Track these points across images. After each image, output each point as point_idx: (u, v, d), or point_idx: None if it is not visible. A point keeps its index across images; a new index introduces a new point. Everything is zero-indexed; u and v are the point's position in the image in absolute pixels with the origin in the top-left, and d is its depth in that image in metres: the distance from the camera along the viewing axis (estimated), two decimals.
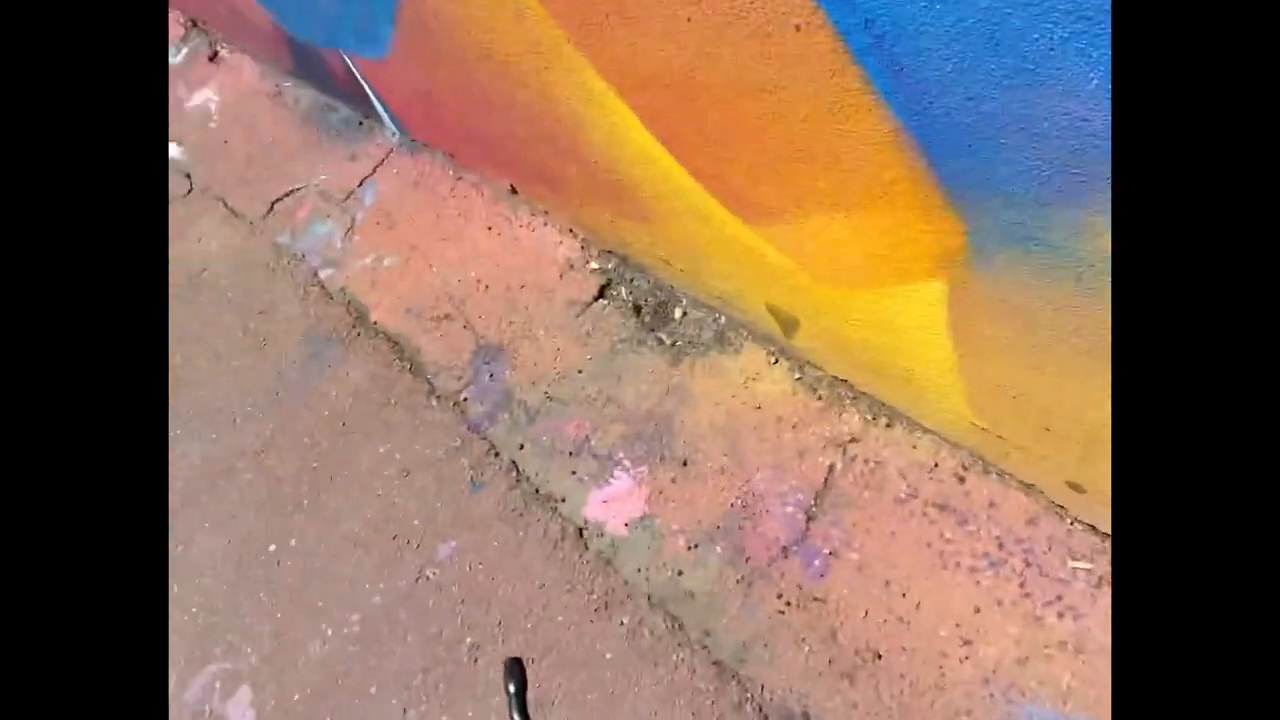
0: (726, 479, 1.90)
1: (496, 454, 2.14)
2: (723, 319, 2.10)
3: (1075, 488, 1.50)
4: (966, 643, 1.59)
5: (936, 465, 1.73)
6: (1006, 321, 1.27)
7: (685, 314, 2.17)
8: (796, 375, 1.96)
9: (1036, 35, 0.85)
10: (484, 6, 1.70)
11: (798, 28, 1.08)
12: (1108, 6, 0.76)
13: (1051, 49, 0.85)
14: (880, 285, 1.45)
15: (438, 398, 2.29)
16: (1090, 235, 1.01)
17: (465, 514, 2.06)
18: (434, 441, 2.21)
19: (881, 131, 1.14)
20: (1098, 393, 1.23)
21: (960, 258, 1.24)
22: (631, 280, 2.29)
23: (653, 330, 2.18)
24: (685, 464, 1.95)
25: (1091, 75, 0.84)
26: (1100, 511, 1.51)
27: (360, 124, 2.95)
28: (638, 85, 1.51)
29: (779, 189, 1.43)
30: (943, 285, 1.33)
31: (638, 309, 2.23)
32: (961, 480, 1.70)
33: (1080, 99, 0.87)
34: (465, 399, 2.26)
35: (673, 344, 2.14)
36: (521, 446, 2.13)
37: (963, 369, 1.47)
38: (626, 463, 2.01)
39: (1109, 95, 0.84)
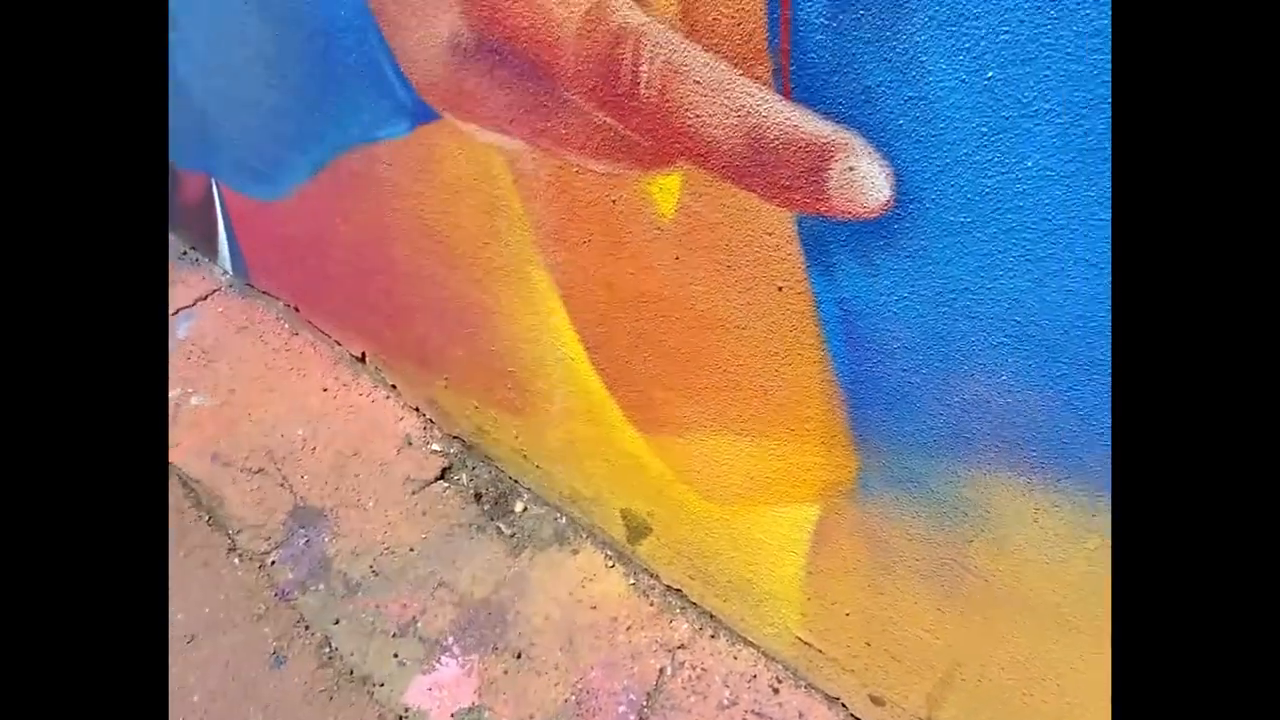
0: (560, 674, 1.94)
1: (307, 627, 1.96)
2: (564, 519, 2.24)
3: (876, 701, 1.80)
4: None
5: (755, 676, 1.96)
6: (864, 546, 1.61)
7: (526, 509, 2.27)
8: (631, 581, 2.13)
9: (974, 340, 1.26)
10: (448, 190, 1.88)
11: (780, 289, 1.43)
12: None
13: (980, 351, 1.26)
14: (757, 504, 1.75)
15: (240, 556, 2.08)
16: (961, 484, 1.41)
17: (262, 692, 1.83)
18: (231, 605, 1.97)
19: (816, 380, 1.48)
20: (929, 615, 1.58)
21: (844, 489, 1.58)
22: (473, 468, 2.36)
23: (493, 519, 2.24)
24: (519, 656, 1.96)
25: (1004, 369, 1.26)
26: None
27: (184, 254, 2.80)
28: (590, 300, 1.75)
29: (698, 410, 1.71)
30: (816, 510, 1.66)
31: (478, 496, 2.29)
32: (776, 691, 1.93)
33: (991, 383, 1.29)
34: (273, 562, 2.08)
35: (512, 535, 2.21)
36: (337, 621, 1.98)
37: (806, 585, 1.77)
38: (456, 649, 1.96)
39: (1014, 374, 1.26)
